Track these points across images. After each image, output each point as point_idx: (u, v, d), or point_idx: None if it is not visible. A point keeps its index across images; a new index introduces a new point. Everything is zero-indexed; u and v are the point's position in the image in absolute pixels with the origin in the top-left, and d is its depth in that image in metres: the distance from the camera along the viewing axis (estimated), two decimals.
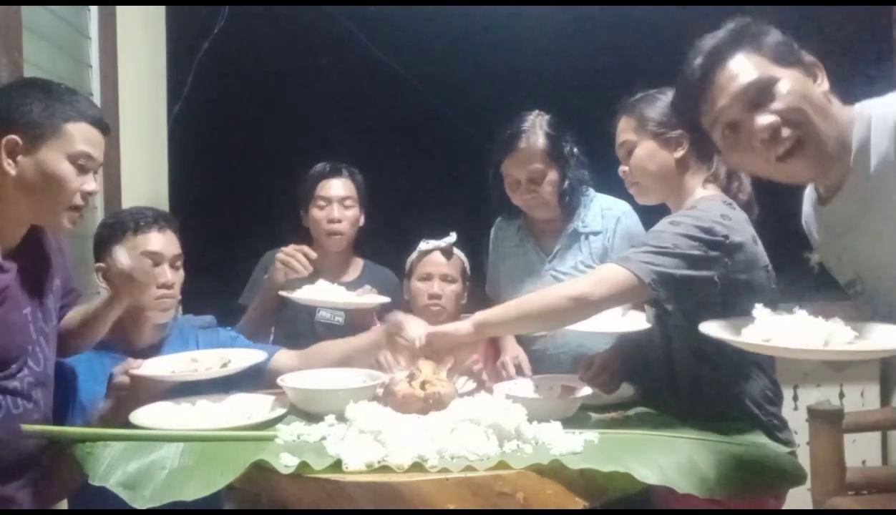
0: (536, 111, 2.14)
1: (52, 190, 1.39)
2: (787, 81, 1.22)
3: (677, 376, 1.69)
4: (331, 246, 2.30)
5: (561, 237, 2.15)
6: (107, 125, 1.47)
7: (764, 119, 1.22)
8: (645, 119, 1.72)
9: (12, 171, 1.37)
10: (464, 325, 1.63)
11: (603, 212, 2.15)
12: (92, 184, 1.44)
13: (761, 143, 1.23)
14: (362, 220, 2.35)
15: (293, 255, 2.11)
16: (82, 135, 1.41)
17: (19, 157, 1.37)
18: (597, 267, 1.62)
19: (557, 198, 2.11)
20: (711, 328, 1.34)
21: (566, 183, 2.10)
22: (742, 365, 1.61)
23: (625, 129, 1.76)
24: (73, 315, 1.63)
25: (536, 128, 2.08)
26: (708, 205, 1.62)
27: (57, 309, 1.56)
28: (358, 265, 2.40)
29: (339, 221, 2.27)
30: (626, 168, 1.76)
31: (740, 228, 1.58)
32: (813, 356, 1.25)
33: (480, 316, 1.64)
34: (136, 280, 1.56)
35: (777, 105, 1.22)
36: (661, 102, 1.72)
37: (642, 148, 1.72)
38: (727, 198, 1.67)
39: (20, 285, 1.44)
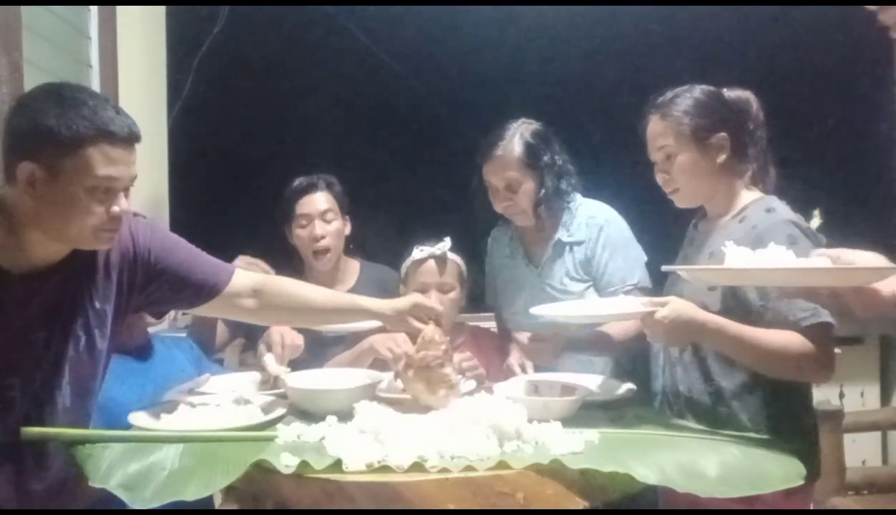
0: (522, 119, 2.11)
1: (75, 219, 1.30)
2: None
3: (683, 393, 1.68)
4: (320, 265, 2.27)
5: (548, 247, 2.13)
6: (134, 134, 1.33)
7: None
8: (684, 123, 1.65)
9: (32, 201, 1.28)
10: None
11: (587, 220, 2.10)
12: (122, 203, 1.33)
13: None
14: (348, 228, 2.32)
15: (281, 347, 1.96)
16: (102, 159, 1.28)
17: (39, 185, 1.27)
18: (806, 332, 1.46)
19: (534, 206, 2.08)
20: (687, 268, 1.44)
21: (542, 192, 2.06)
22: (742, 384, 1.60)
23: (662, 133, 1.67)
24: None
25: (516, 137, 2.06)
26: (778, 204, 1.62)
27: (129, 308, 1.50)
28: (354, 269, 2.36)
29: (324, 237, 2.24)
30: (666, 175, 1.69)
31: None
32: (788, 279, 1.32)
33: (702, 318, 1.48)
34: None
35: None
36: (697, 102, 1.66)
37: (685, 156, 1.65)
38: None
39: (44, 309, 1.36)
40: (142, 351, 1.91)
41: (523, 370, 2.01)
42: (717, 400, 1.62)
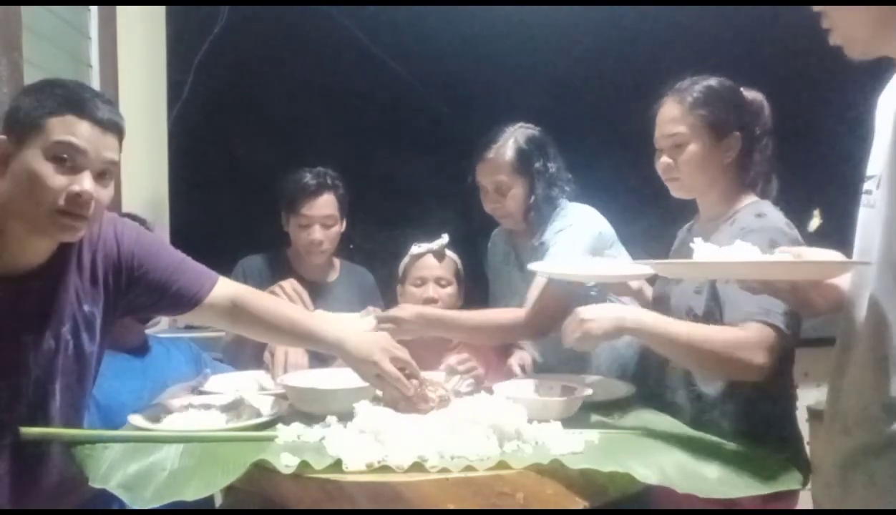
0: (521, 124, 2.11)
1: (31, 191, 1.25)
2: None
3: (668, 398, 1.68)
4: (312, 259, 2.31)
5: (529, 252, 2.12)
6: (111, 121, 1.31)
7: None
8: (700, 114, 1.62)
9: (4, 183, 1.26)
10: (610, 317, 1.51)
11: (560, 224, 2.05)
12: (83, 183, 1.26)
13: None
14: (343, 226, 2.34)
15: (291, 296, 2.01)
16: (64, 128, 1.25)
17: (10, 161, 1.26)
18: (744, 328, 1.45)
19: (523, 212, 2.08)
20: (658, 263, 1.47)
21: (532, 198, 2.06)
22: (723, 392, 1.59)
23: (676, 120, 1.64)
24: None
25: (510, 141, 2.06)
26: (771, 210, 1.61)
27: (116, 311, 1.49)
28: (336, 265, 2.42)
29: (321, 243, 2.26)
30: (670, 160, 1.66)
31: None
32: (749, 273, 1.33)
33: (637, 317, 1.51)
34: None
35: None
36: (718, 96, 1.64)
37: (697, 146, 1.62)
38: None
39: (31, 313, 1.35)
40: (139, 350, 1.92)
41: (523, 370, 2.01)
42: (699, 407, 1.62)
